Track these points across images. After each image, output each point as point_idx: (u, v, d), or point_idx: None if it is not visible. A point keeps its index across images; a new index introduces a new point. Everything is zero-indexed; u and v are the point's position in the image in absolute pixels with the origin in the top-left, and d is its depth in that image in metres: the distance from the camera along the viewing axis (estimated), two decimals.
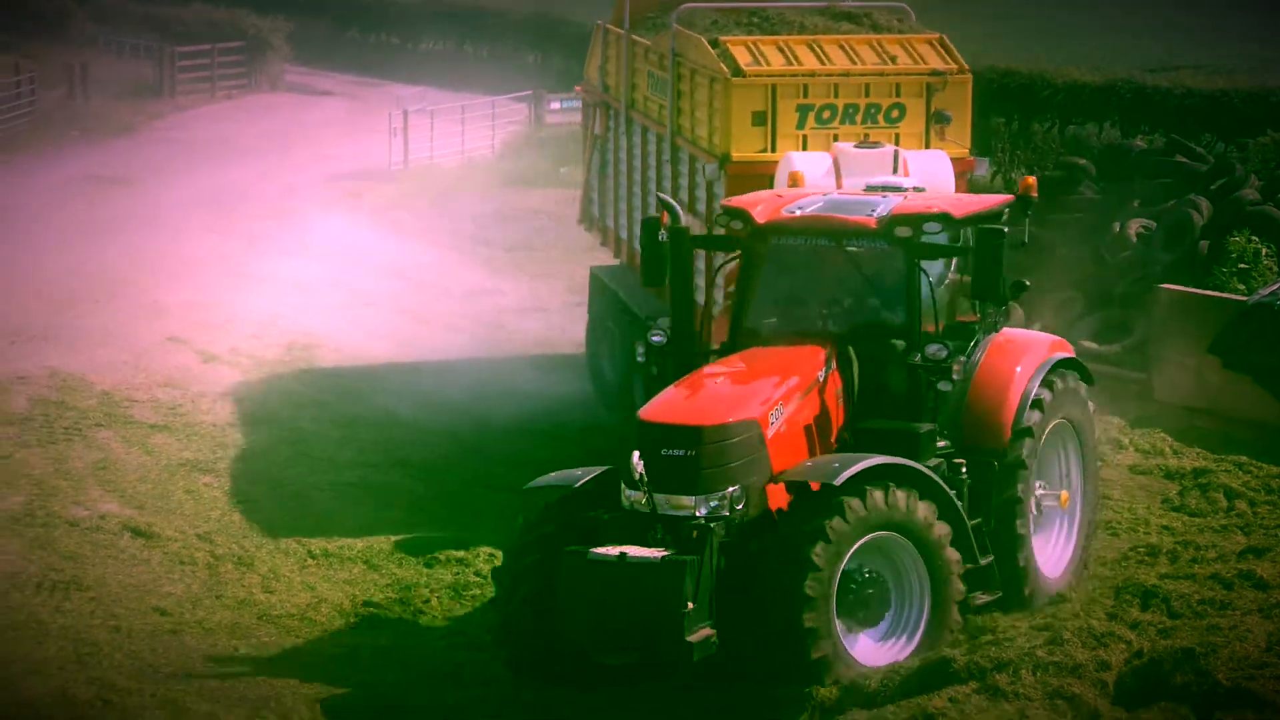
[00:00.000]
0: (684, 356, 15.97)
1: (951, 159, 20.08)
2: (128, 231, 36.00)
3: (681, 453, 14.31)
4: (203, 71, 61.18)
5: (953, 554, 14.59)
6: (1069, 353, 16.99)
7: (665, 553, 13.92)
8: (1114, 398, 22.15)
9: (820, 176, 18.88)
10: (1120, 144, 30.80)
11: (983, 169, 21.53)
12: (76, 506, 20.02)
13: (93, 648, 16.29)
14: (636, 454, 14.32)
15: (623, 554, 13.92)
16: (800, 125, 20.51)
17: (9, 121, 49.51)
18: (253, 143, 48.95)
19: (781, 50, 21.11)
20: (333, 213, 38.72)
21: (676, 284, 16.25)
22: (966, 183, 20.50)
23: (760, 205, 16.36)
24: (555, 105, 49.74)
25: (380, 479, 21.61)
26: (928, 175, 19.33)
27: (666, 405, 14.93)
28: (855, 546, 14.08)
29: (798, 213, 16.20)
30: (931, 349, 15.14)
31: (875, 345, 15.69)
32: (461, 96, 53.46)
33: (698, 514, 14.18)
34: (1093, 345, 24.62)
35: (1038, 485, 16.26)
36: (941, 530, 14.52)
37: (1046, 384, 16.24)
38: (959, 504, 14.97)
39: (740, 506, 14.32)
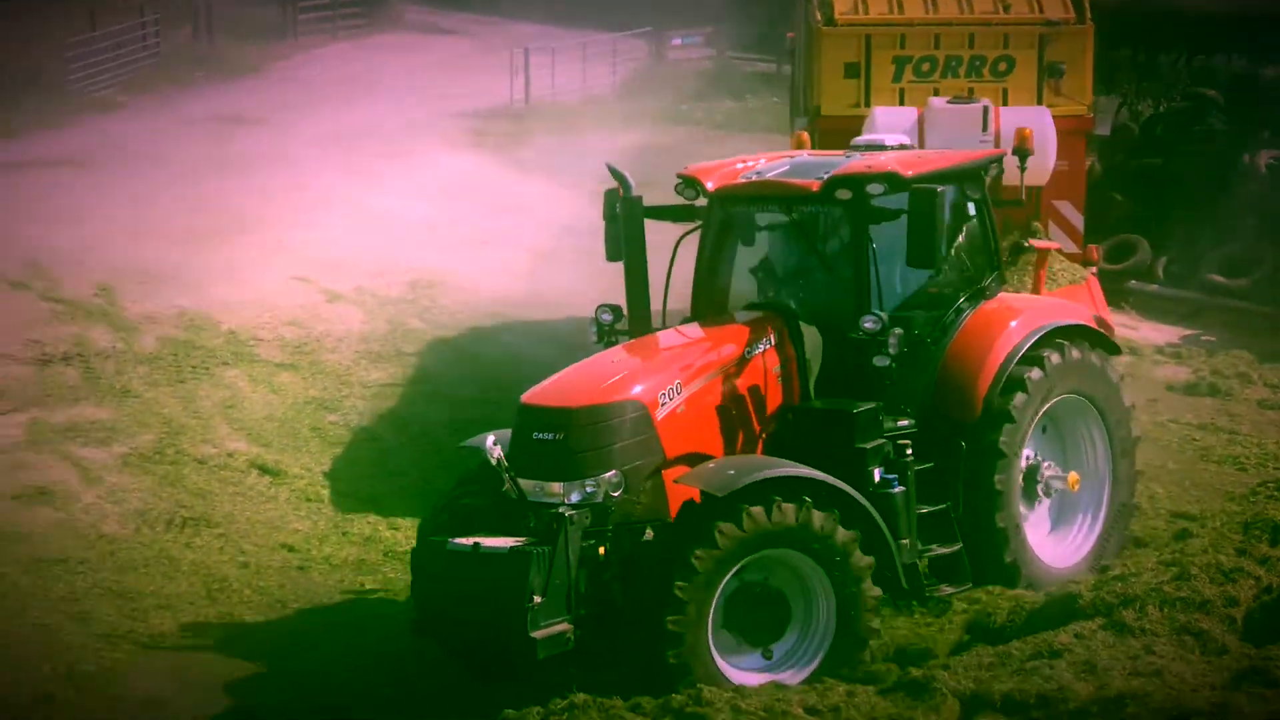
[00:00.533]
0: (639, 334, 15.06)
1: (1065, 116, 19.12)
2: (252, 171, 36.25)
3: (550, 436, 13.45)
4: (325, 11, 61.44)
5: (861, 561, 13.37)
6: (1083, 320, 15.79)
7: (518, 542, 13.00)
8: (1242, 332, 21.87)
9: (902, 134, 17.63)
10: (1249, 74, 30.26)
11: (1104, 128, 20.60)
12: (205, 444, 20.28)
13: (222, 583, 16.57)
14: (492, 438, 13.63)
15: (476, 544, 13.01)
16: (897, 78, 19.54)
17: (134, 63, 49.92)
18: (375, 82, 49.11)
19: None
20: (454, 151, 38.81)
21: (630, 258, 15.22)
22: (1084, 142, 19.77)
23: (716, 172, 15.40)
24: (676, 42, 49.60)
25: (503, 417, 21.63)
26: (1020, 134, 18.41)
27: (547, 387, 14.14)
28: (745, 560, 13.03)
29: (753, 178, 15.18)
30: (865, 321, 14.14)
31: (826, 319, 14.73)
32: (582, 34, 53.37)
33: (568, 500, 13.22)
34: (1220, 279, 24.29)
35: (1046, 467, 15.41)
36: (844, 537, 13.24)
37: (1033, 358, 15.02)
38: (867, 505, 13.59)
39: (618, 494, 13.30)
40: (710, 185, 15.22)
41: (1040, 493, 15.37)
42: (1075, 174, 19.57)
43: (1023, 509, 15.22)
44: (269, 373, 22.95)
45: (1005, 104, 19.16)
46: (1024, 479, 15.21)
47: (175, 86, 49.00)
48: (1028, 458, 15.27)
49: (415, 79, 50.36)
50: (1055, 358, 15.09)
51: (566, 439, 13.40)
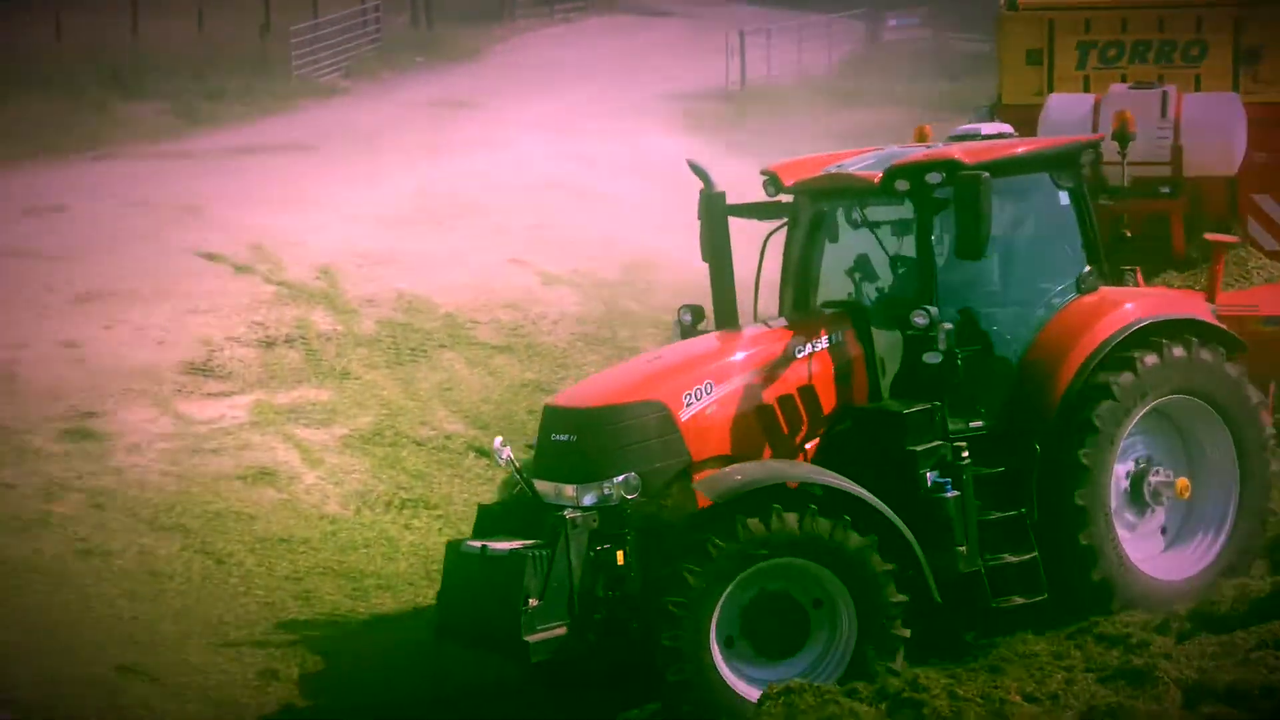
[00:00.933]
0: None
1: (1263, 104, 17.75)
2: (471, 154, 36.61)
3: (565, 438, 13.11)
4: None
5: (879, 569, 12.69)
6: (1192, 313, 14.50)
7: (522, 544, 12.66)
8: None
9: (1076, 122, 17.14)
10: None
11: None
12: (423, 426, 20.51)
13: (440, 565, 16.70)
14: (500, 439, 13.65)
15: (484, 545, 12.79)
16: (1081, 65, 18.36)
17: (356, 49, 50.66)
18: (591, 65, 49.35)
19: None
20: (669, 133, 38.84)
21: (714, 256, 14.77)
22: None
23: (797, 167, 14.87)
24: (892, 23, 49.24)
25: None
26: (1204, 121, 17.38)
27: (574, 389, 13.97)
28: (749, 570, 12.51)
29: (832, 172, 14.59)
30: (915, 316, 13.37)
31: (893, 317, 13.94)
32: (798, 15, 53.17)
33: (581, 503, 12.80)
34: None
35: (1156, 473, 14.26)
36: (857, 543, 12.61)
37: (1124, 360, 13.87)
38: (884, 510, 12.81)
39: (634, 496, 12.76)
40: (787, 181, 14.81)
41: (1148, 499, 14.28)
42: (1277, 166, 18.11)
43: (1131, 517, 14.26)
44: (485, 355, 23.14)
45: (1199, 91, 17.99)
46: (1131, 486, 14.26)
47: (395, 72, 49.64)
48: (1137, 461, 14.29)
49: (631, 62, 50.53)
50: (1151, 359, 13.91)
51: (580, 440, 13.07)
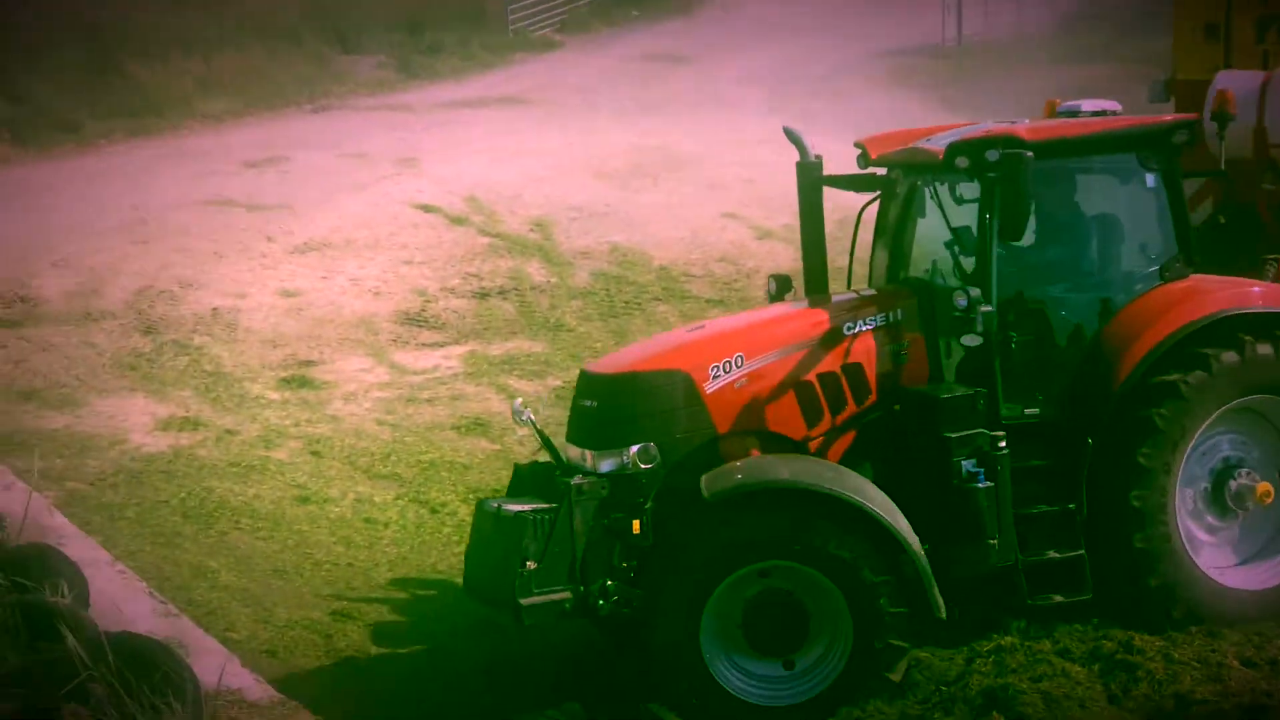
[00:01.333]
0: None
1: None
2: (685, 110, 36.56)
3: (589, 404, 12.88)
4: None
5: (874, 576, 12.19)
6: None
7: (532, 507, 12.40)
8: None
9: (1245, 99, 15.91)
10: None
11: None
12: None
13: None
14: (519, 400, 13.50)
15: (499, 505, 12.56)
16: (1260, 39, 16.98)
17: (572, 4, 50.81)
18: (804, 21, 49.03)
19: None
20: (882, 90, 38.48)
21: (807, 225, 14.49)
22: None
23: (889, 139, 14.37)
24: None
25: None
26: None
27: (612, 355, 13.71)
28: (739, 572, 12.20)
29: (923, 144, 13.94)
30: (956, 298, 12.79)
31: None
32: None
33: (598, 469, 12.53)
34: None
35: (1241, 475, 13.31)
36: (849, 549, 12.16)
37: (1197, 356, 13.02)
38: (877, 515, 12.19)
39: (649, 465, 12.38)
40: (874, 154, 14.38)
41: (1230, 503, 13.35)
42: None
43: (1213, 520, 13.42)
44: (699, 309, 23.08)
45: None
46: (1212, 488, 13.41)
47: (610, 27, 49.71)
48: (1226, 461, 13.41)
49: (844, 17, 50.13)
50: (1230, 356, 12.98)
51: (600, 406, 12.84)
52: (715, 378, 12.83)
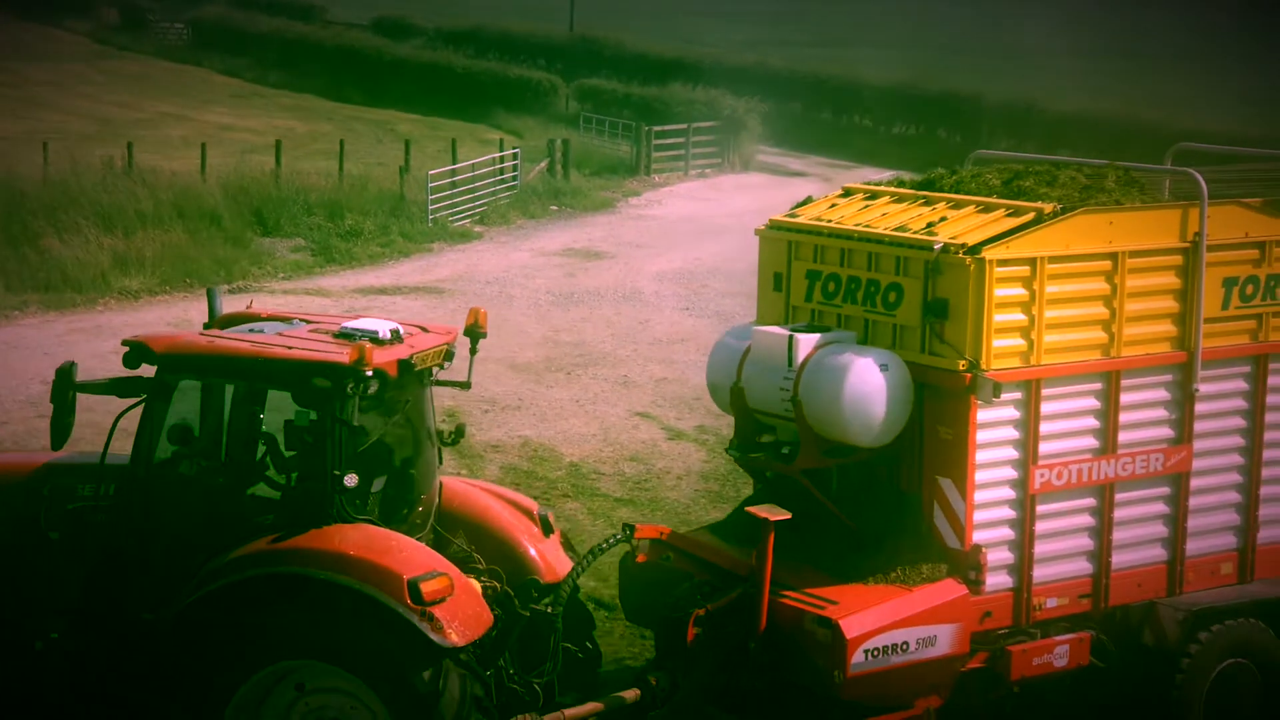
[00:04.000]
0: None
1: (940, 370, 14.45)
2: (602, 305, 36.76)
3: None
4: (677, 150, 62.41)
5: None
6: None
7: None
8: None
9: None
10: None
11: (986, 393, 14.38)
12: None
13: None
14: None
15: None
16: (809, 296, 15.43)
17: (494, 195, 51.18)
18: (725, 221, 49.52)
19: (869, 204, 15.84)
20: None
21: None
22: (961, 421, 14.53)
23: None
24: None
25: None
26: (822, 387, 14.38)
27: None
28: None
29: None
30: None
31: None
32: None
33: None
34: None
35: None
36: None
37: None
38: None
39: None
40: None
41: None
42: (960, 445, 14.57)
43: None
44: (609, 507, 23.03)
45: (896, 346, 14.74)
46: None
47: (530, 220, 50.09)
48: None
49: (763, 219, 50.55)
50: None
51: None
52: None
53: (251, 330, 14.41)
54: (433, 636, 12.90)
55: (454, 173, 50.31)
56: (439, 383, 15.04)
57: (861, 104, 73.38)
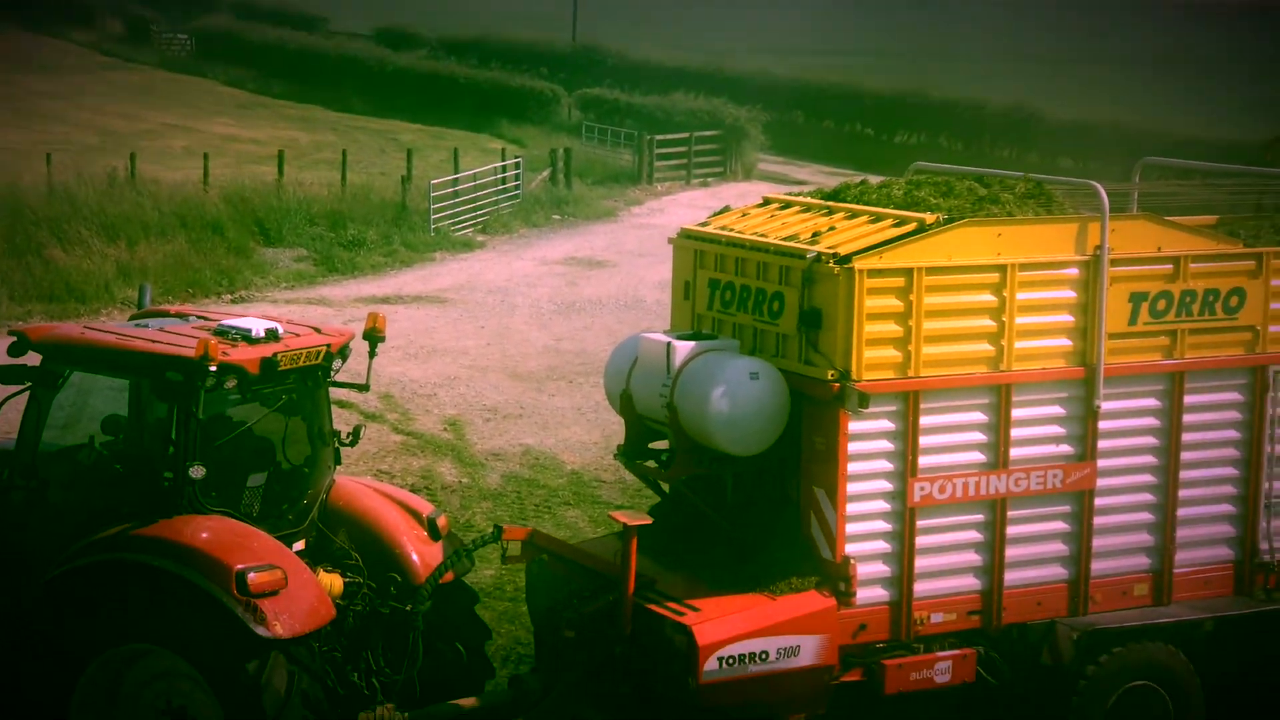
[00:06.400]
0: None
1: (812, 380, 14.39)
2: (604, 314, 36.82)
3: None
4: (679, 160, 62.48)
5: None
6: None
7: None
8: None
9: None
10: None
11: (853, 403, 14.34)
12: None
13: None
14: None
15: None
16: (710, 304, 15.40)
17: (496, 204, 51.23)
18: None
19: (779, 214, 15.93)
20: None
21: None
22: (832, 431, 14.38)
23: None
24: None
25: None
26: (692, 395, 14.40)
27: None
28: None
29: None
30: None
31: None
32: None
33: None
34: None
35: None
36: None
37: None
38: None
39: None
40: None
41: None
42: (831, 457, 14.48)
43: None
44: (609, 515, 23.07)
45: (778, 355, 14.74)
46: None
47: (532, 229, 50.15)
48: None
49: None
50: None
51: None
52: None
53: (149, 325, 14.62)
54: (255, 628, 13.05)
55: (456, 182, 50.36)
56: (336, 384, 15.10)
57: (863, 113, 73.45)
